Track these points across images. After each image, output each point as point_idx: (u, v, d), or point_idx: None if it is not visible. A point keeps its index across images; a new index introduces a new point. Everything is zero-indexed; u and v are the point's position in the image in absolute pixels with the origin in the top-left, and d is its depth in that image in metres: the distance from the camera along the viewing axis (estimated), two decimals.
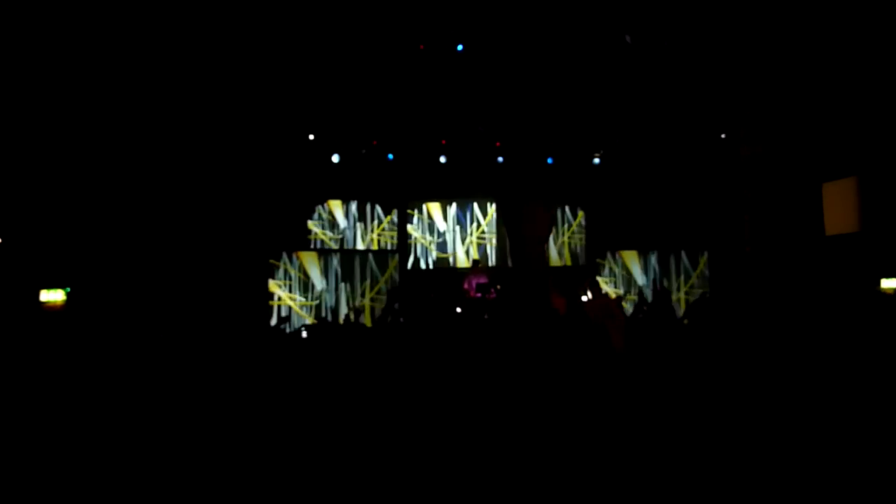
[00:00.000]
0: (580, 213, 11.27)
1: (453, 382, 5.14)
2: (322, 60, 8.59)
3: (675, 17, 8.35)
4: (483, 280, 9.16)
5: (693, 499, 3.17)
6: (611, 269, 10.81)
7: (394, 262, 10.37)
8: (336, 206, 10.59)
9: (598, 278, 10.53)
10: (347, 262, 10.08)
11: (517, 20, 8.31)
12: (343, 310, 9.83)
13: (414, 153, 10.32)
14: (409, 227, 10.87)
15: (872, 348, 5.77)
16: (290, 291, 9.70)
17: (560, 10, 8.19)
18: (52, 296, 7.45)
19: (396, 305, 8.50)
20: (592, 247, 11.07)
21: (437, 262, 10.93)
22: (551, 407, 4.34)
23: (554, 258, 11.02)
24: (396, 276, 10.30)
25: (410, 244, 10.85)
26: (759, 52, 8.80)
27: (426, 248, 10.94)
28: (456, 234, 11.02)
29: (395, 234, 10.80)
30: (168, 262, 8.72)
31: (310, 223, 10.36)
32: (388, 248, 10.70)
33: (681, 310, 10.22)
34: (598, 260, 10.85)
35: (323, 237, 10.44)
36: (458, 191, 10.93)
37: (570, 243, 11.24)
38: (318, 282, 9.87)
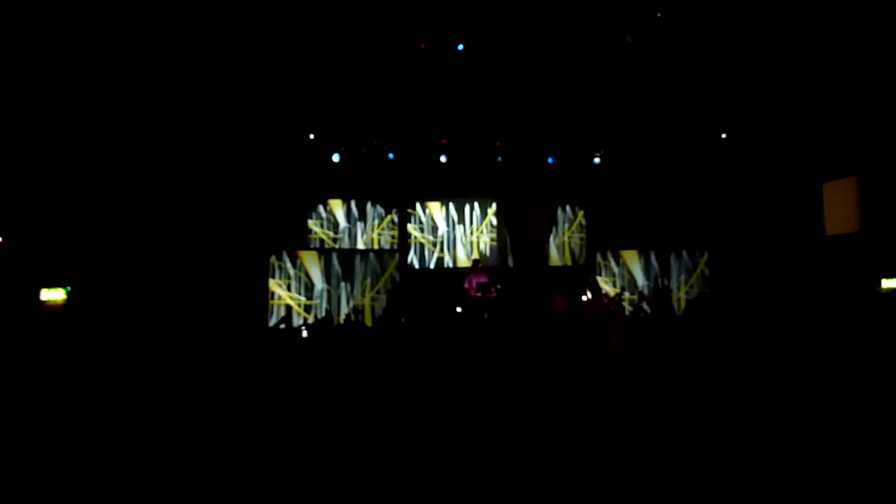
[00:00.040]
0: (580, 213, 11.27)
1: (454, 382, 5.14)
2: (323, 60, 8.59)
3: (676, 16, 8.35)
4: (483, 280, 9.16)
5: (694, 498, 3.17)
6: (610, 268, 10.82)
7: (394, 261, 10.37)
8: (336, 206, 10.59)
9: (598, 278, 10.54)
10: (347, 261, 10.09)
11: (518, 20, 8.31)
12: (343, 309, 9.84)
13: (414, 153, 10.32)
14: (409, 226, 10.87)
15: (872, 348, 5.77)
16: (291, 291, 9.70)
17: (560, 10, 8.18)
18: (53, 294, 7.46)
19: (397, 305, 8.51)
20: (592, 247, 11.07)
21: (436, 262, 10.94)
22: (552, 406, 4.34)
23: (554, 258, 11.02)
24: (396, 276, 10.31)
25: (410, 243, 10.86)
26: (759, 53, 8.80)
27: (426, 248, 10.94)
28: (456, 233, 11.02)
29: (395, 233, 10.80)
30: (168, 262, 8.73)
31: (310, 222, 10.37)
32: (389, 247, 10.70)
33: (680, 309, 10.22)
34: (598, 259, 10.86)
35: (323, 236, 10.44)
36: (459, 190, 10.94)
37: (570, 243, 11.24)
38: (319, 281, 9.88)
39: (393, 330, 7.90)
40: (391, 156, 10.32)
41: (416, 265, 10.79)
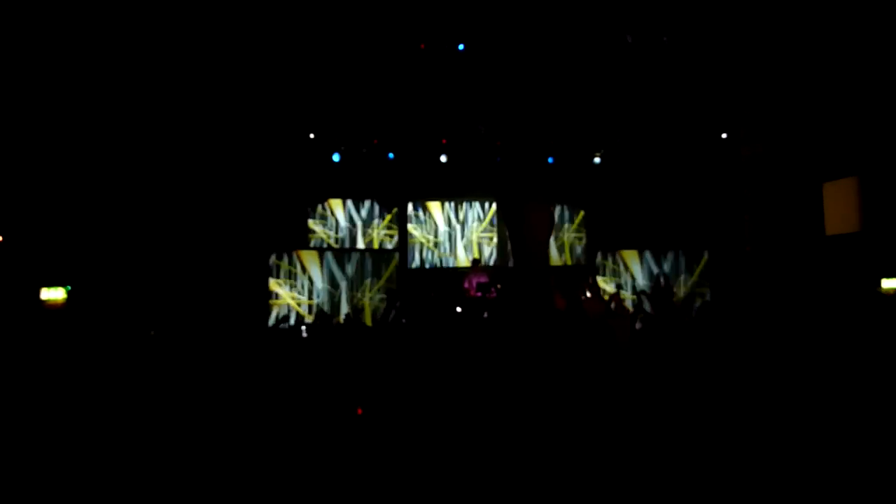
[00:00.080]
0: (580, 213, 11.27)
1: (454, 381, 5.14)
2: (323, 59, 8.59)
3: (676, 16, 8.35)
4: (483, 280, 9.16)
5: (694, 497, 3.17)
6: (610, 268, 10.82)
7: (394, 261, 10.37)
8: (336, 205, 10.59)
9: (599, 278, 10.54)
10: (347, 261, 10.09)
11: (518, 20, 8.31)
12: (343, 309, 9.84)
13: (414, 152, 10.32)
14: (409, 226, 10.87)
15: (873, 349, 5.77)
16: (291, 290, 9.70)
17: (561, 9, 8.19)
18: (53, 294, 7.46)
19: (397, 305, 8.50)
20: (592, 247, 11.07)
21: (436, 261, 10.95)
22: (553, 405, 4.34)
23: (554, 258, 11.02)
24: (397, 276, 10.31)
25: (411, 243, 10.86)
26: (759, 52, 8.80)
27: (426, 248, 10.94)
28: (457, 233, 11.03)
29: (395, 233, 10.80)
30: (169, 261, 8.73)
31: (310, 222, 10.37)
32: (389, 247, 10.70)
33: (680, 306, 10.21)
34: (598, 259, 10.86)
35: (323, 236, 10.44)
36: (459, 190, 10.93)
37: (570, 243, 11.24)
38: (319, 281, 9.88)
39: (393, 329, 7.90)
40: (391, 155, 10.32)
41: (417, 265, 10.79)
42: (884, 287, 7.91)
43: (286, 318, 9.47)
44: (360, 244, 10.59)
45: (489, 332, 7.28)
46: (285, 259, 9.72)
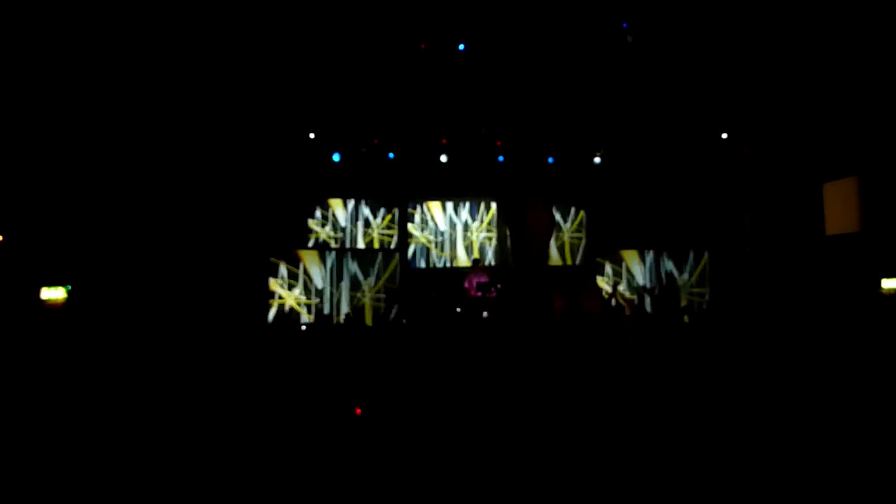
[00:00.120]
0: (580, 213, 11.27)
1: (454, 380, 5.14)
2: (323, 60, 8.59)
3: (676, 16, 8.35)
4: (483, 279, 9.16)
5: (695, 496, 3.17)
6: (610, 268, 10.82)
7: (394, 261, 10.37)
8: (337, 205, 10.59)
9: (599, 278, 10.54)
10: (348, 261, 10.08)
11: (518, 20, 8.31)
12: (344, 308, 9.84)
13: (415, 152, 10.32)
14: (409, 226, 10.87)
15: (873, 348, 5.77)
16: (291, 290, 9.70)
17: (561, 9, 8.19)
18: (53, 293, 7.46)
19: (397, 305, 8.51)
20: (592, 247, 11.07)
21: (437, 261, 10.94)
22: (553, 405, 4.34)
23: (554, 258, 11.02)
24: (397, 276, 10.31)
25: (411, 243, 10.86)
26: (759, 52, 8.80)
27: (427, 248, 10.94)
28: (457, 233, 11.03)
29: (395, 233, 10.80)
30: (169, 261, 8.72)
31: (310, 222, 10.37)
32: (389, 247, 10.70)
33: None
34: (598, 259, 10.86)
35: (324, 236, 10.44)
36: (459, 190, 10.93)
37: (570, 243, 11.24)
38: (319, 280, 9.88)
39: (393, 329, 7.90)
40: (391, 155, 10.32)
41: (417, 265, 10.78)
42: (884, 287, 7.91)
43: (289, 317, 9.47)
44: (361, 244, 10.59)
45: (489, 332, 7.28)
46: (286, 259, 9.72)
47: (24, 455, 3.71)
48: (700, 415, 4.30)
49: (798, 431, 3.94)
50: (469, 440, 3.82)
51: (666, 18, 8.38)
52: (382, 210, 10.79)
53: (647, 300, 9.39)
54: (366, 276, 10.12)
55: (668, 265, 10.78)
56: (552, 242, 11.00)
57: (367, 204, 10.73)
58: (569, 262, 11.15)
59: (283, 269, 9.67)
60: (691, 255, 10.78)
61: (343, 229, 10.61)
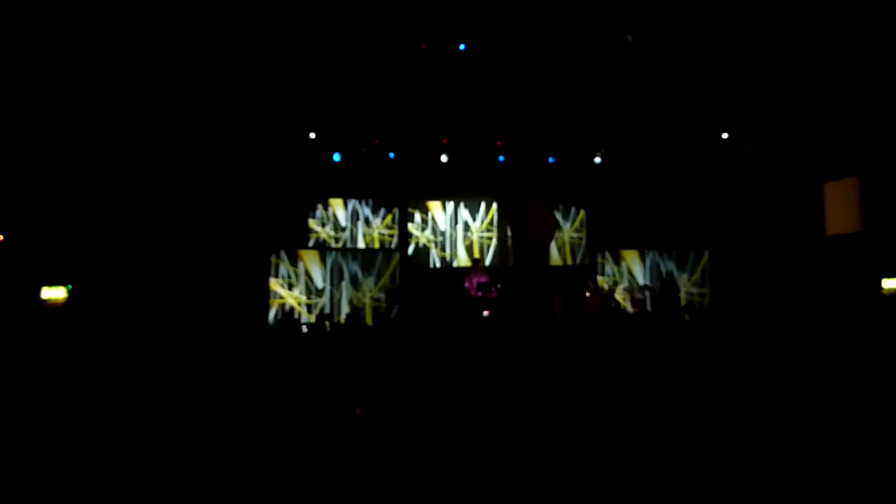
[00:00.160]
0: (581, 213, 11.27)
1: (454, 380, 5.13)
2: (323, 59, 8.59)
3: (677, 16, 8.34)
4: (483, 279, 9.16)
5: (696, 496, 3.17)
6: (611, 268, 10.82)
7: (394, 261, 10.36)
8: (337, 205, 10.59)
9: (599, 278, 10.54)
10: (348, 260, 10.08)
11: (519, 20, 8.31)
12: (344, 308, 9.83)
13: (415, 152, 10.32)
14: (409, 225, 10.87)
15: (873, 348, 5.77)
16: (291, 290, 9.70)
17: (561, 9, 8.18)
18: (54, 293, 7.46)
19: (397, 305, 8.50)
20: (592, 247, 11.07)
21: (437, 261, 10.95)
22: (553, 403, 4.34)
23: (554, 258, 11.02)
24: (397, 276, 10.31)
25: (411, 243, 10.86)
26: (760, 52, 8.80)
27: (427, 247, 10.94)
28: (457, 233, 11.02)
29: (395, 232, 10.80)
30: (169, 260, 8.72)
31: (311, 222, 10.37)
32: (389, 246, 10.70)
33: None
34: (598, 259, 10.86)
35: (324, 236, 10.44)
36: (460, 190, 10.93)
37: (570, 243, 11.24)
38: (320, 280, 9.88)
39: (393, 328, 7.90)
40: (392, 155, 10.32)
41: (417, 264, 10.78)
42: (884, 287, 7.91)
43: (289, 317, 9.46)
44: (361, 244, 10.59)
45: (489, 332, 7.28)
46: (286, 258, 9.72)
47: (24, 454, 3.71)
48: (701, 412, 4.29)
49: (798, 429, 3.94)
50: (470, 439, 3.82)
51: (666, 19, 8.37)
52: (382, 210, 10.80)
53: (647, 299, 9.38)
54: (366, 275, 10.12)
55: (669, 265, 10.78)
56: (552, 242, 11.01)
57: (367, 203, 10.73)
58: (569, 261, 11.15)
59: (283, 269, 9.68)
60: (692, 255, 10.77)
61: (343, 229, 10.61)
